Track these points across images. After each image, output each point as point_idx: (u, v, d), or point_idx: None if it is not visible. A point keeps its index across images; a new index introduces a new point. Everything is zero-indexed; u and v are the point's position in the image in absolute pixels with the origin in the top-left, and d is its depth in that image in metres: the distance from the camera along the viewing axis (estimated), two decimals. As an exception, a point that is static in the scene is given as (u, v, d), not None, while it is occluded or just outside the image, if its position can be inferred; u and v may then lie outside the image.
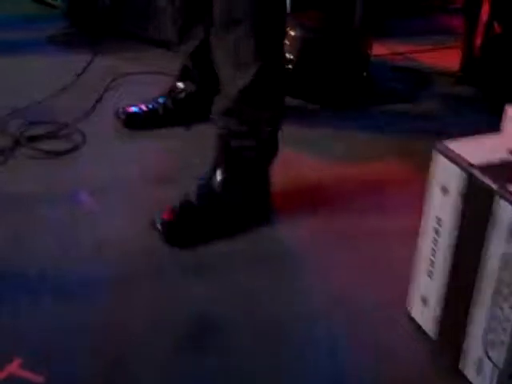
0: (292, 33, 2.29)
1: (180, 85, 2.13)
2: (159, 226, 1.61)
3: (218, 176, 1.67)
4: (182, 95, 2.12)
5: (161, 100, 2.12)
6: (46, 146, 1.98)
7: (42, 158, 1.93)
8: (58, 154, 1.95)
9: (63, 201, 1.75)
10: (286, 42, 2.25)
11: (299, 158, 2.01)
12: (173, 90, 2.13)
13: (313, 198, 1.84)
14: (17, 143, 1.97)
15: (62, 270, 1.52)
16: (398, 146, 2.11)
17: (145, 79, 2.39)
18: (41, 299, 1.44)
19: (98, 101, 2.25)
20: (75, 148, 1.99)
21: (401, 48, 2.80)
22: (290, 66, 2.30)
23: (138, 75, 2.41)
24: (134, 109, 2.10)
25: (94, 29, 2.75)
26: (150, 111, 2.10)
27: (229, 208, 1.67)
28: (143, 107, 2.11)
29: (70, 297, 1.45)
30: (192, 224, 1.64)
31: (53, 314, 1.41)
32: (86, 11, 2.81)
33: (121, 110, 2.10)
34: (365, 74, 2.42)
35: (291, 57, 2.30)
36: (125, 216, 1.71)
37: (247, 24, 1.55)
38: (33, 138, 2.00)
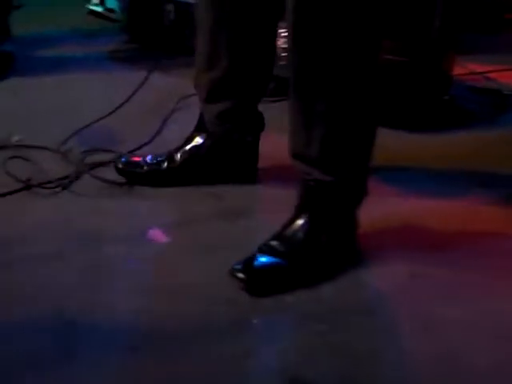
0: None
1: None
2: (240, 274, 1.46)
3: (301, 223, 1.53)
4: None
5: None
6: (110, 173, 1.83)
7: (106, 187, 1.79)
8: (122, 184, 1.80)
9: (134, 237, 1.61)
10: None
11: (383, 190, 1.85)
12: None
13: (404, 237, 1.67)
14: (78, 171, 1.83)
15: (134, 321, 1.38)
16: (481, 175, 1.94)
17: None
18: (115, 353, 1.30)
19: (163, 124, 2.11)
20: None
21: (479, 67, 2.62)
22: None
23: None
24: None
25: (156, 44, 2.63)
26: None
27: (314, 256, 1.52)
28: None
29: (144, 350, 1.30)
30: (275, 272, 1.49)
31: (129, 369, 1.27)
32: (148, 25, 2.68)
33: None
34: (447, 97, 2.24)
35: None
36: (200, 256, 1.56)
37: None
38: (95, 165, 1.86)
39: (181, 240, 1.61)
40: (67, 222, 1.65)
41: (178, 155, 1.81)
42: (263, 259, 1.48)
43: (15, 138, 1.96)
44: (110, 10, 2.95)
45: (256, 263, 1.47)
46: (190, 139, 1.82)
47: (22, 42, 2.58)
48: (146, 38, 2.69)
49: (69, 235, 1.60)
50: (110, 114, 2.10)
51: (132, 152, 1.92)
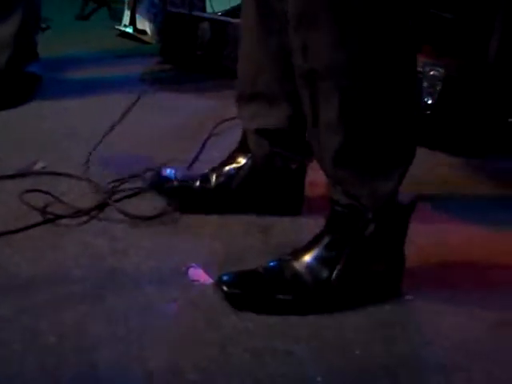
0: (430, 72, 1.94)
1: None
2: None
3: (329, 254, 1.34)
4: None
5: None
6: (139, 206, 1.64)
7: (134, 221, 1.60)
8: (150, 218, 1.60)
9: (172, 278, 1.42)
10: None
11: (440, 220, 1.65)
12: None
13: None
14: (106, 201, 1.64)
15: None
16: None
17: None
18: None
19: (201, 151, 1.94)
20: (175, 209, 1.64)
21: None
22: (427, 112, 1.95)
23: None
24: None
25: (191, 65, 2.47)
26: None
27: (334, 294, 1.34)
28: None
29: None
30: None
31: None
32: (182, 46, 2.52)
33: None
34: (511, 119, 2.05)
35: (429, 101, 1.95)
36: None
37: None
38: (126, 196, 1.68)
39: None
40: (98, 260, 1.47)
41: (214, 176, 1.63)
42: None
43: (40, 165, 1.80)
44: (141, 31, 2.81)
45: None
46: (230, 159, 1.64)
47: (50, 64, 2.42)
48: (181, 59, 2.54)
49: (100, 274, 1.42)
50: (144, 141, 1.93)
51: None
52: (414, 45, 1.33)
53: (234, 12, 2.77)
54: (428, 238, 1.56)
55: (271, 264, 1.36)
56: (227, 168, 1.62)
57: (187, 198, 1.64)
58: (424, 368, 1.24)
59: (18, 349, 1.20)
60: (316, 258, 1.34)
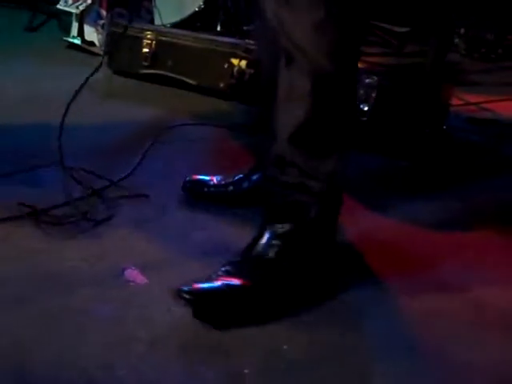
0: (365, 80, 2.01)
1: None
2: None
3: (269, 242, 1.40)
4: None
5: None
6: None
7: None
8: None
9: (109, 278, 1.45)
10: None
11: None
12: None
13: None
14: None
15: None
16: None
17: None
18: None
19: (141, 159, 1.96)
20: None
21: (473, 98, 2.50)
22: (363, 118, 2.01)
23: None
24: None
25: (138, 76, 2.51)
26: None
27: (287, 281, 1.39)
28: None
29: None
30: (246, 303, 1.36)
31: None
32: (128, 58, 2.57)
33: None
34: (445, 126, 2.12)
35: (365, 107, 2.01)
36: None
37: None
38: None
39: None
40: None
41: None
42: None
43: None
44: (89, 43, 2.85)
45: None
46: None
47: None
48: (127, 71, 2.59)
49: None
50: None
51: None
52: None
53: (181, 24, 2.83)
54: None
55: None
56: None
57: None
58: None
59: None
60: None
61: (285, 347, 1.28)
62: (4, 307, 1.33)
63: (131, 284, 1.43)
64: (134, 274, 1.45)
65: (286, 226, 1.40)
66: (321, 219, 1.43)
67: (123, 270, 1.46)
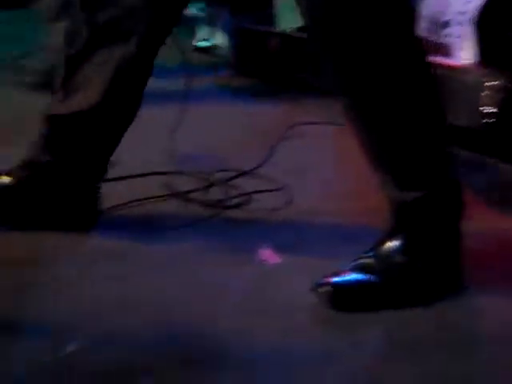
0: (492, 82, 2.02)
1: None
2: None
3: (397, 244, 1.43)
4: None
5: None
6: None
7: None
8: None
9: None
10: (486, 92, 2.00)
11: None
12: None
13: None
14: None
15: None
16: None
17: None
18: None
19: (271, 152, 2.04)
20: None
21: None
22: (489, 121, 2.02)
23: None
24: None
25: (263, 77, 2.63)
26: None
27: (412, 280, 1.43)
28: None
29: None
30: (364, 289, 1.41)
31: None
32: (254, 58, 2.68)
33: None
34: None
35: (492, 110, 2.02)
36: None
37: None
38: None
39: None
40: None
41: None
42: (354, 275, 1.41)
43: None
44: (216, 46, 2.98)
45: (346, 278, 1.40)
46: None
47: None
48: (253, 71, 2.69)
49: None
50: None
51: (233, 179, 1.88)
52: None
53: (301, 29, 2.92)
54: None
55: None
56: None
57: None
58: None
59: None
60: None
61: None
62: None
63: (265, 263, 1.53)
64: (267, 254, 1.54)
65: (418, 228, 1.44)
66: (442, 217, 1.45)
67: (257, 250, 1.56)
